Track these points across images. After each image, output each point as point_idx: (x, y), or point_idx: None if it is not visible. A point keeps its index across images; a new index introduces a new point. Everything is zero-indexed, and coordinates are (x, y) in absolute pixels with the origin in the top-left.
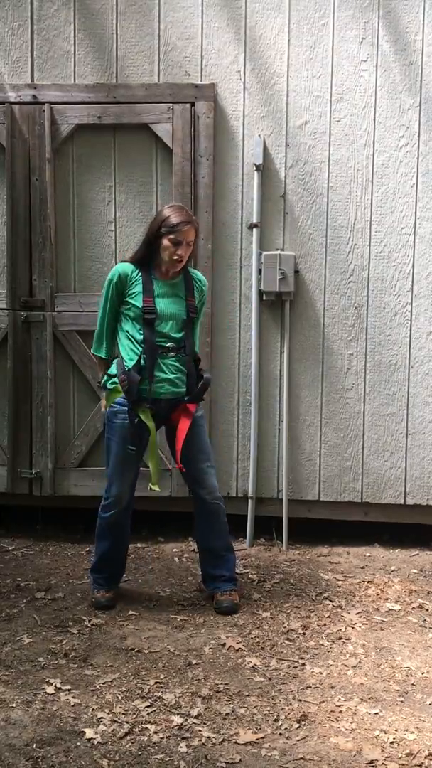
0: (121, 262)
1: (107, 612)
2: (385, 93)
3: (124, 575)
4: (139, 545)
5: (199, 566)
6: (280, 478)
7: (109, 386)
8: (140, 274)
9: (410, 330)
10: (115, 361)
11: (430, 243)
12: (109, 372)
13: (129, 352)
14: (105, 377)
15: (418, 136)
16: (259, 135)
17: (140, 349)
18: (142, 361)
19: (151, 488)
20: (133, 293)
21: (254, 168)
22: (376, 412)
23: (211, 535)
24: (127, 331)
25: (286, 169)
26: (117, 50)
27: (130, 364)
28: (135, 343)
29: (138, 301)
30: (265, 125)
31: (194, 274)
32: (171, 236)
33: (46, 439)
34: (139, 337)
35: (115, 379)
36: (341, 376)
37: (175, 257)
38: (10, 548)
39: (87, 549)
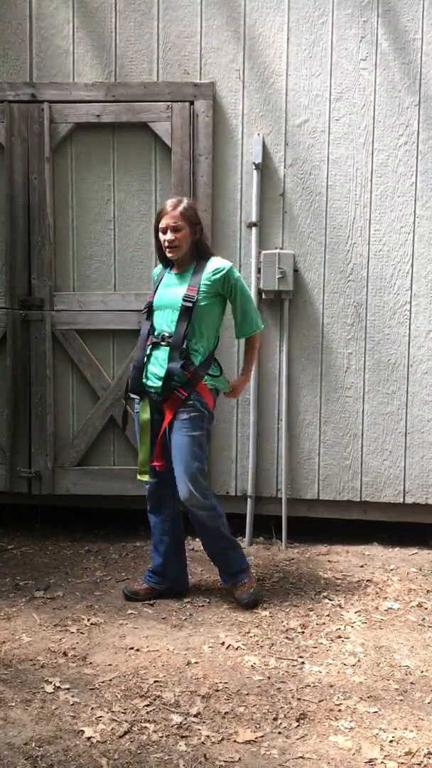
0: None
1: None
2: (385, 92)
3: (122, 573)
4: (137, 544)
5: (197, 565)
6: (279, 477)
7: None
8: (163, 271)
9: (409, 329)
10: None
11: (429, 242)
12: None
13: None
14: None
15: (417, 135)
16: (258, 134)
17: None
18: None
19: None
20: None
21: (253, 167)
22: (375, 411)
23: (205, 539)
24: None
25: (285, 167)
26: (116, 49)
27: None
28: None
29: None
30: (264, 124)
31: (211, 262)
32: (160, 226)
33: (45, 439)
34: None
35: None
36: (340, 375)
37: (166, 244)
38: (9, 547)
39: (86, 548)
